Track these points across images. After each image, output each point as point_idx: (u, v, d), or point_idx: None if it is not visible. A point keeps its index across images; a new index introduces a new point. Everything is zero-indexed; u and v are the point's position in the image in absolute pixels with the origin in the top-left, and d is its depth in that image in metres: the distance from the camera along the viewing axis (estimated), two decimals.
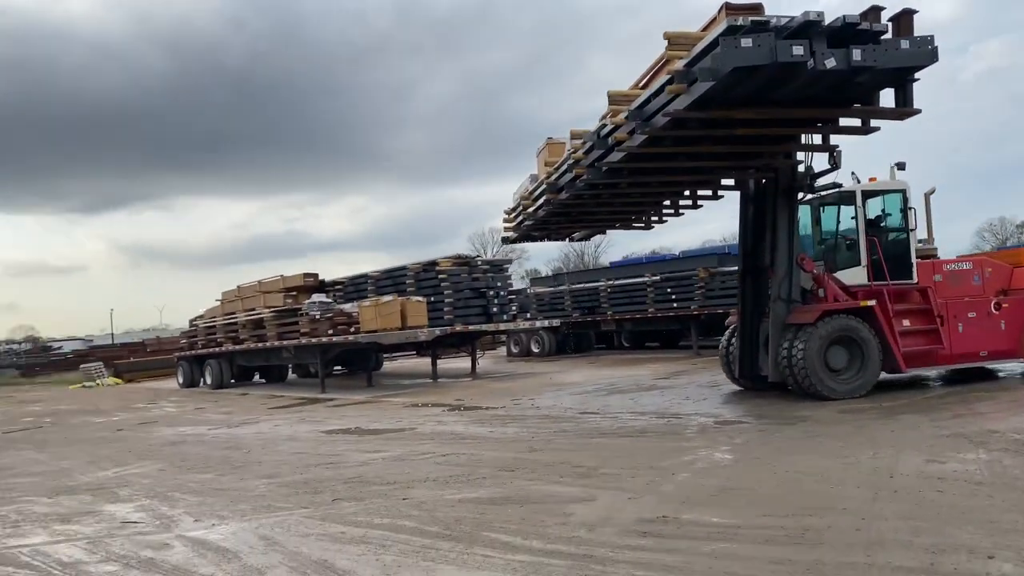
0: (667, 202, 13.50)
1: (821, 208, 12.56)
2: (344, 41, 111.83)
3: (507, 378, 20.11)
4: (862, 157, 15.23)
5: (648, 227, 15.23)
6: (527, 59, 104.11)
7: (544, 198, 12.54)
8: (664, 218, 14.39)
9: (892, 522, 5.11)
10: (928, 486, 5.98)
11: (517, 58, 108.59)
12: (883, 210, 12.21)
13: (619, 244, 74.97)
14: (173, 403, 21.11)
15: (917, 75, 8.96)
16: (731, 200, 13.00)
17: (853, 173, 12.10)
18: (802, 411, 10.31)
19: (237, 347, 23.42)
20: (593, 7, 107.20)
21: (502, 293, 20.93)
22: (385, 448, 9.90)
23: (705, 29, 8.74)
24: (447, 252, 21.01)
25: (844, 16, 8.13)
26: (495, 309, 20.50)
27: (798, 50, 7.86)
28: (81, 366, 38.21)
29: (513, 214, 14.53)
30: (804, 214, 12.55)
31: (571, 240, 16.38)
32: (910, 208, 12.03)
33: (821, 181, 11.73)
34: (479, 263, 21.37)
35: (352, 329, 18.92)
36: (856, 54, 8.13)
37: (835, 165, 11.20)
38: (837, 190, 11.94)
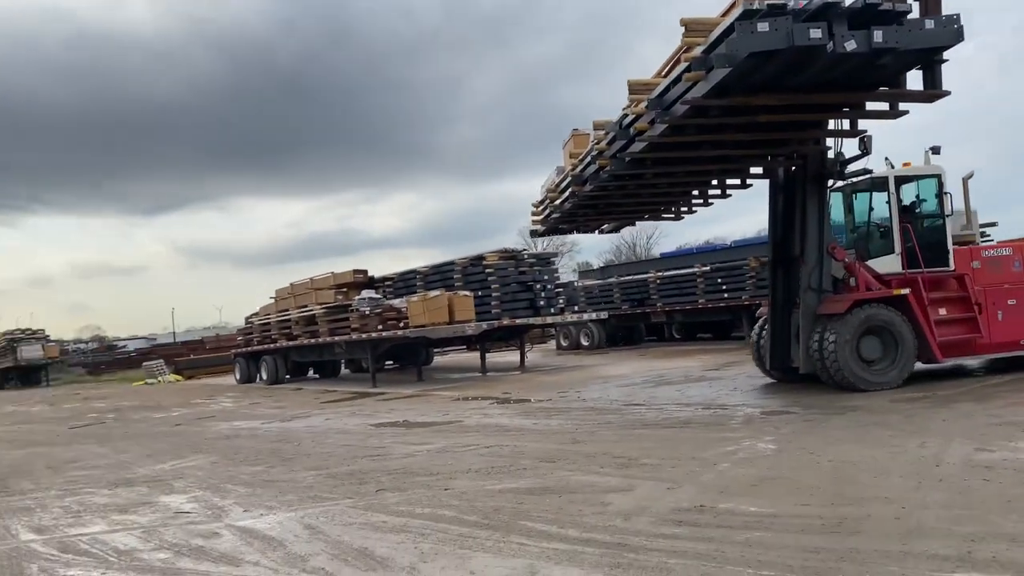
0: (696, 192, 13.30)
1: (853, 195, 12.29)
2: (393, 38, 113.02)
3: (555, 371, 20.16)
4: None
5: (678, 218, 15.06)
6: (575, 49, 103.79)
7: (570, 190, 12.47)
8: (694, 208, 14.16)
9: (933, 511, 5.03)
10: (974, 475, 5.86)
11: (565, 48, 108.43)
12: (918, 196, 11.91)
13: (672, 235, 74.33)
14: (230, 399, 21.67)
15: (946, 56, 8.62)
16: None
17: (887, 158, 11.85)
18: (852, 400, 10.15)
19: (291, 343, 23.92)
20: None
21: (549, 286, 20.95)
22: (431, 440, 10.04)
23: (725, 14, 8.52)
24: (498, 246, 21.09)
25: None
26: (542, 302, 20.55)
27: (816, 33, 7.63)
28: (144, 364, 39.39)
29: (540, 207, 14.49)
30: (836, 201, 12.32)
31: (600, 232, 16.27)
32: (946, 193, 11.71)
33: (851, 167, 11.46)
34: (526, 257, 21.45)
35: (401, 324, 19.16)
36: (877, 35, 7.80)
37: (865, 151, 10.93)
38: (869, 176, 11.66)
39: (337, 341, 21.59)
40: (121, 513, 7.27)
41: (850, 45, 7.76)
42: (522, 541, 5.15)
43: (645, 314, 27.01)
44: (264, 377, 25.62)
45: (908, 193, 11.92)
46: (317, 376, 26.52)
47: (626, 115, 9.99)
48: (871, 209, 12.15)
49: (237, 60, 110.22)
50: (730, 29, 7.87)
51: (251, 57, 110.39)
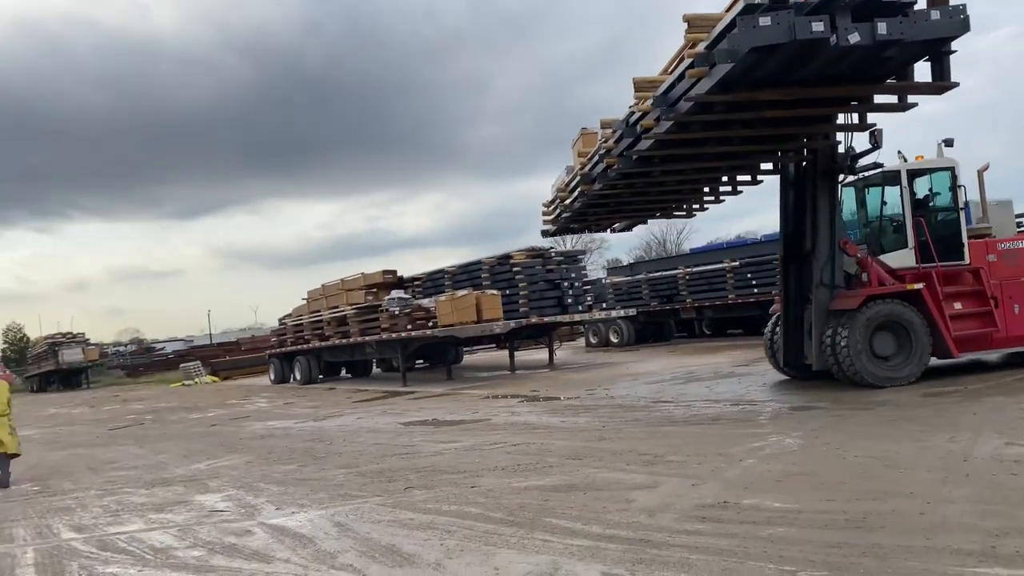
0: (707, 189, 13.21)
1: (866, 189, 12.12)
2: (418, 39, 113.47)
3: (584, 368, 20.18)
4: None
5: (690, 215, 14.96)
6: (600, 46, 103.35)
7: (579, 189, 12.45)
8: (705, 205, 14.07)
9: (959, 506, 5.01)
10: (1003, 469, 5.81)
11: (590, 45, 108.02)
12: (931, 189, 11.73)
13: (703, 230, 73.72)
14: (264, 399, 22.00)
15: (953, 46, 8.48)
16: None
17: (899, 152, 11.69)
18: (881, 396, 10.07)
19: (323, 343, 24.22)
20: None
21: (576, 284, 20.97)
22: (459, 438, 10.14)
23: (728, 10, 8.43)
24: (526, 244, 21.14)
25: None
26: (570, 300, 20.56)
27: (818, 26, 7.55)
28: (181, 365, 40.11)
29: (551, 207, 14.46)
30: (849, 196, 12.18)
31: (612, 231, 16.21)
32: (960, 186, 11.52)
33: (862, 162, 11.30)
34: (553, 255, 21.48)
35: (430, 324, 19.31)
36: (881, 27, 7.69)
37: (876, 144, 10.78)
38: (881, 170, 11.50)
39: (368, 341, 21.82)
40: (158, 512, 7.47)
41: (853, 38, 7.64)
42: (546, 538, 5.22)
43: (674, 310, 26.89)
44: (298, 377, 25.95)
45: (921, 186, 11.75)
46: (349, 376, 26.81)
47: (633, 113, 9.97)
48: (884, 203, 11.97)
49: (265, 64, 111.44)
50: (732, 24, 7.83)
51: (279, 60, 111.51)
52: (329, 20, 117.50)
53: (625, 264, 39.88)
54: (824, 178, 11.18)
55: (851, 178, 11.75)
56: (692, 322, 27.84)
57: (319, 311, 24.73)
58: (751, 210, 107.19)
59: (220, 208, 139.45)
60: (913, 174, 11.53)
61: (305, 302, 26.41)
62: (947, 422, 7.92)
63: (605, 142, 10.96)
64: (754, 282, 23.70)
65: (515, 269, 20.32)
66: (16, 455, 10.46)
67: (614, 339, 27.87)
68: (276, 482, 8.42)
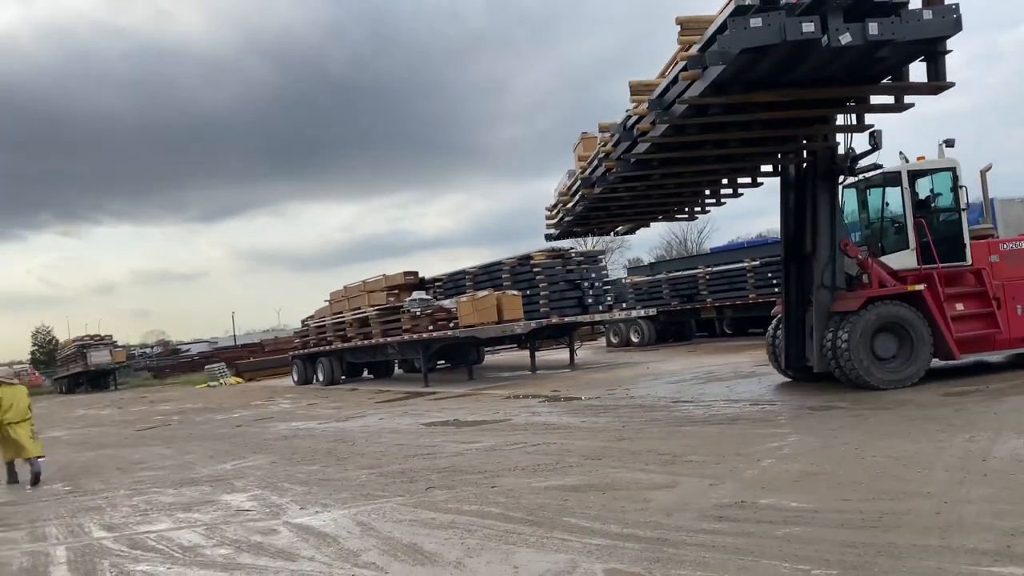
0: (707, 192, 13.18)
1: (867, 191, 12.07)
2: (440, 41, 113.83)
3: (604, 368, 20.23)
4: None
5: (692, 218, 14.93)
6: (622, 44, 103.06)
7: (580, 193, 12.49)
8: (707, 208, 14.05)
9: (976, 505, 5.03)
10: (1021, 469, 5.82)
11: (611, 44, 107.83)
12: (932, 190, 11.66)
13: (724, 229, 73.59)
14: (288, 400, 22.25)
15: (949, 46, 8.42)
16: None
17: (901, 152, 11.63)
18: (902, 395, 10.06)
19: (345, 344, 24.44)
20: None
21: (597, 284, 21.00)
22: (480, 439, 10.25)
23: (723, 11, 8.44)
24: (547, 244, 21.20)
25: None
26: (590, 300, 20.61)
27: (808, 27, 7.53)
28: (206, 367, 40.59)
29: (554, 211, 14.49)
30: (850, 198, 12.14)
31: (615, 234, 16.24)
32: (961, 187, 11.41)
33: (862, 163, 11.22)
34: (573, 255, 21.54)
35: (451, 324, 19.44)
36: (872, 28, 7.66)
37: (875, 146, 10.69)
38: (881, 171, 11.43)
39: (390, 342, 22.00)
40: (185, 511, 7.64)
41: (845, 38, 7.61)
42: (565, 537, 5.30)
43: (695, 310, 26.85)
44: (320, 378, 26.21)
45: (923, 187, 11.68)
46: (371, 376, 27.01)
47: (630, 116, 10.00)
48: (885, 204, 11.91)
49: (288, 67, 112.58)
50: (724, 26, 7.85)
51: (302, 63, 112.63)
52: (352, 23, 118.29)
53: (646, 264, 39.82)
54: (824, 180, 11.15)
55: (852, 179, 11.72)
56: (712, 322, 27.75)
57: (341, 312, 24.97)
58: (772, 208, 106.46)
59: (243, 211, 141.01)
60: (914, 175, 11.49)
61: (327, 304, 26.67)
62: (967, 422, 7.91)
63: (604, 146, 11.00)
64: (775, 281, 23.51)
65: (535, 269, 20.40)
66: (40, 456, 10.70)
67: (635, 339, 27.88)
68: (300, 482, 8.57)
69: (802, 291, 11.90)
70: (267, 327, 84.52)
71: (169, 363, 55.65)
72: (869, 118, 10.25)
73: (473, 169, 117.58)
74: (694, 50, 8.41)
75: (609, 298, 21.51)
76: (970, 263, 11.36)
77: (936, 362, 11.08)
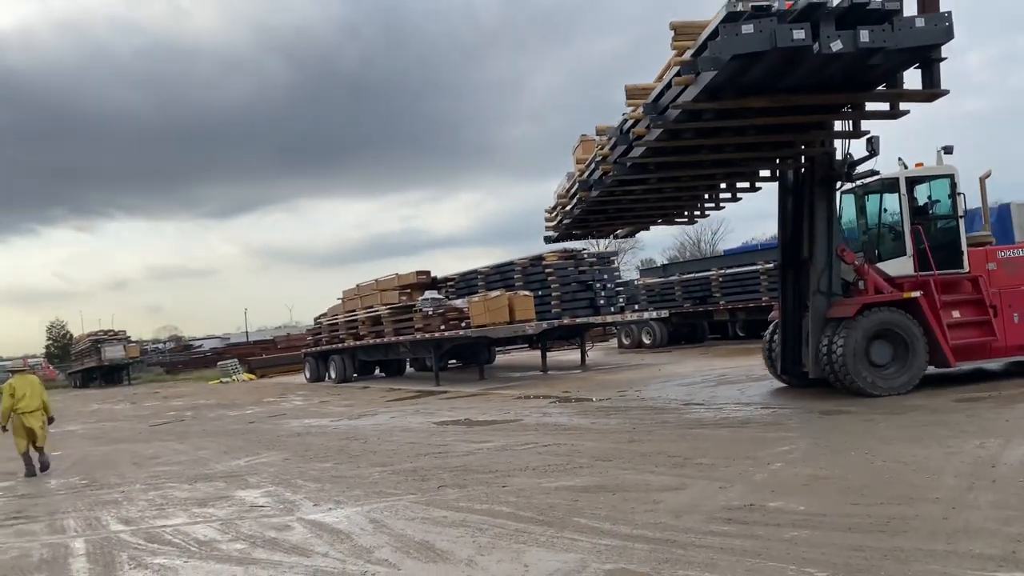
0: (706, 195, 13.21)
1: (865, 197, 12.02)
2: (454, 39, 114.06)
3: (616, 370, 20.26)
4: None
5: (691, 221, 14.93)
6: (636, 43, 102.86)
7: (578, 196, 12.52)
8: (706, 212, 14.08)
9: (984, 511, 5.06)
10: None
11: (625, 43, 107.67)
12: (930, 197, 11.62)
13: (738, 230, 73.39)
14: (300, 397, 22.41)
15: (943, 54, 8.44)
16: None
17: (900, 159, 11.60)
18: (914, 400, 10.07)
19: (358, 343, 24.58)
20: None
21: (609, 285, 21.03)
22: (491, 438, 10.32)
23: (716, 17, 8.51)
24: (558, 245, 21.25)
25: None
26: (602, 301, 20.64)
27: (799, 34, 7.57)
28: (218, 363, 40.79)
29: (553, 213, 14.52)
30: (848, 204, 12.11)
31: (615, 237, 16.32)
32: (959, 194, 11.36)
33: (860, 169, 11.23)
34: (585, 256, 21.56)
35: (463, 324, 19.53)
36: (864, 35, 7.71)
37: (873, 152, 10.68)
38: (879, 178, 11.41)
39: (402, 341, 22.12)
40: (201, 506, 7.76)
41: (836, 45, 7.65)
42: (575, 537, 5.37)
43: (707, 312, 26.83)
44: (332, 376, 26.35)
45: (921, 194, 11.65)
46: (383, 375, 27.14)
47: (626, 120, 10.04)
48: (883, 211, 11.88)
49: (302, 64, 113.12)
50: (716, 32, 7.88)
51: (316, 61, 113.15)
52: (366, 21, 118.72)
53: (658, 265, 39.77)
54: (822, 185, 11.15)
55: (850, 185, 11.71)
56: (725, 324, 27.70)
57: (354, 311, 25.11)
58: None
59: (256, 207, 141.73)
60: (912, 181, 11.46)
61: (340, 301, 26.81)
62: (978, 428, 7.92)
63: (601, 149, 11.04)
64: None
65: (548, 270, 20.45)
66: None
67: (647, 340, 27.86)
68: (313, 479, 8.67)
69: (799, 296, 11.94)
70: (279, 324, 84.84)
71: (182, 359, 55.90)
72: (866, 124, 10.30)
73: (487, 167, 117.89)
74: (688, 55, 8.46)
75: (621, 299, 21.53)
76: (967, 270, 11.32)
77: (942, 370, 11.05)
